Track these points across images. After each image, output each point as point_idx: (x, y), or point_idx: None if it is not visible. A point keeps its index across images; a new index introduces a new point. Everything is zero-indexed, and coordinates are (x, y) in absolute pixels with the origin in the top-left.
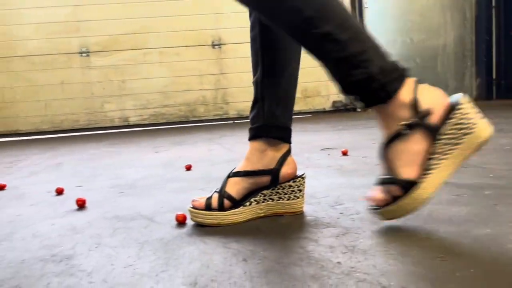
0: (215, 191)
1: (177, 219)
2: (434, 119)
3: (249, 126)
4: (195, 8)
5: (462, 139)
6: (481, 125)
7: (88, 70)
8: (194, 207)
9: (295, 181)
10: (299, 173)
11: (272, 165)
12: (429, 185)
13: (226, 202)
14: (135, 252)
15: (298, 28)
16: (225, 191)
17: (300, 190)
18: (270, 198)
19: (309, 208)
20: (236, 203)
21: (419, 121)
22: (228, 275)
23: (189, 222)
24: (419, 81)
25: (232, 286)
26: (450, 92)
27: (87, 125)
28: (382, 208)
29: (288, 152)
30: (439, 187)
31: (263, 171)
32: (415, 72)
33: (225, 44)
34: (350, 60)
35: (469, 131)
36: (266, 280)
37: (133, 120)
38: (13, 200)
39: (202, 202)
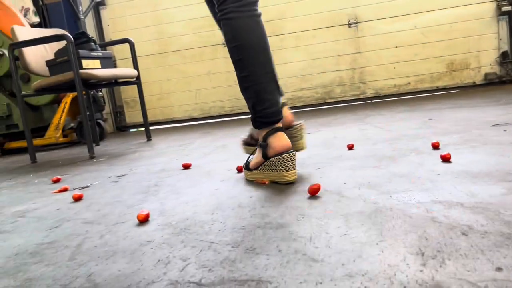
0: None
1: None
2: (269, 152)
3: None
4: None
5: (275, 172)
6: (290, 172)
7: (230, 60)
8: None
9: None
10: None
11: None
12: (250, 176)
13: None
14: (343, 223)
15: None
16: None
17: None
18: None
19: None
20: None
21: (261, 146)
22: (453, 247)
23: (382, 198)
24: (278, 129)
25: (463, 259)
26: None
27: (231, 111)
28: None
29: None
30: (252, 179)
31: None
32: None
33: (361, 22)
34: (252, 92)
35: (281, 171)
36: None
37: None
38: (204, 177)
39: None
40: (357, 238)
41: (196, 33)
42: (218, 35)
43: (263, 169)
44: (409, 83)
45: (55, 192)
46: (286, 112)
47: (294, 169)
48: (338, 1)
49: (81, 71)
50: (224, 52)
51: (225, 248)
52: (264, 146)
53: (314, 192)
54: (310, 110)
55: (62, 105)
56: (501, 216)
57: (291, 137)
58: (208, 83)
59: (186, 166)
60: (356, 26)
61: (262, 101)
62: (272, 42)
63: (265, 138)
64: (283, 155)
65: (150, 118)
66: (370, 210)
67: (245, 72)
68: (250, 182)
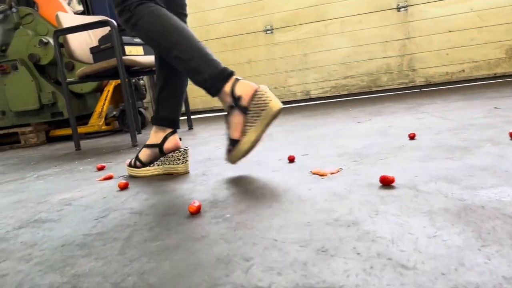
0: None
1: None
2: (243, 101)
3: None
4: None
5: (261, 113)
6: (273, 102)
7: (272, 47)
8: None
9: (175, 153)
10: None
11: (159, 141)
12: (245, 142)
13: (138, 164)
14: (427, 222)
15: (165, 53)
16: (137, 156)
17: (179, 159)
18: (164, 163)
19: None
20: (144, 164)
21: (234, 103)
22: None
23: (467, 194)
24: (237, 79)
25: None
26: None
27: None
28: (227, 157)
29: (170, 133)
30: (253, 144)
31: (155, 144)
32: None
33: (412, 5)
34: (192, 71)
35: (265, 107)
36: None
37: (314, 93)
38: (253, 167)
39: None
40: (450, 241)
41: (237, 20)
42: (259, 22)
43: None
44: (463, 70)
45: (100, 180)
46: (173, 139)
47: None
48: None
49: (124, 57)
50: (265, 39)
51: (292, 247)
52: (238, 98)
53: (387, 182)
54: (355, 99)
55: (104, 93)
56: None
57: (174, 160)
58: (249, 71)
59: None
60: (405, 10)
61: (207, 65)
62: (315, 28)
63: (233, 91)
64: (259, 93)
65: (191, 107)
66: (457, 207)
67: (176, 51)
68: (305, 173)
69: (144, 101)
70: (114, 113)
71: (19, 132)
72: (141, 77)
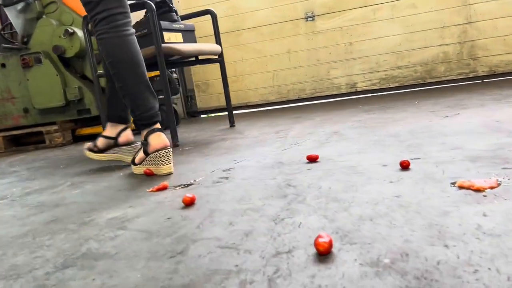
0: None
1: None
2: (149, 148)
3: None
4: None
5: (153, 165)
6: (165, 167)
7: (313, 36)
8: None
9: (160, 153)
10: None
11: (114, 135)
12: (137, 169)
13: (96, 149)
14: None
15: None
16: (95, 143)
17: (163, 160)
18: (118, 152)
19: None
20: (101, 151)
21: (142, 143)
22: None
23: None
24: (156, 129)
25: None
26: None
27: (313, 94)
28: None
29: (124, 129)
30: (138, 173)
31: (110, 137)
32: None
33: None
34: (128, 102)
35: (157, 166)
36: None
37: (361, 85)
38: (355, 175)
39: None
40: None
41: (274, 6)
42: (299, 9)
43: (145, 163)
44: None
45: (153, 191)
46: (125, 134)
47: (169, 163)
48: None
49: (163, 45)
50: (306, 27)
51: None
52: (145, 144)
53: None
54: (408, 91)
55: None
56: None
57: (159, 160)
58: (287, 63)
59: (313, 159)
60: None
61: (138, 107)
62: (362, 14)
63: (146, 137)
64: (159, 152)
65: (223, 103)
66: None
67: (121, 83)
68: (445, 186)
69: (173, 96)
70: None
71: (44, 131)
72: (173, 69)
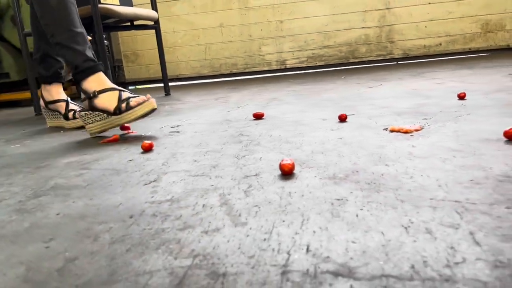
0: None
1: None
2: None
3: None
4: None
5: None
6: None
7: (246, 11)
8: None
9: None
10: None
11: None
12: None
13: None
14: None
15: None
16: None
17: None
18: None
19: None
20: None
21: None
22: None
23: None
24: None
25: None
26: None
27: (245, 69)
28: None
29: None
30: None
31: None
32: None
33: None
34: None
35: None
36: None
37: (290, 63)
38: (301, 126)
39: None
40: None
41: None
42: None
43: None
44: (440, 44)
45: (104, 142)
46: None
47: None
48: None
49: (99, 5)
50: (238, 2)
51: (498, 210)
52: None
53: None
54: (333, 70)
55: None
56: None
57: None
58: (220, 37)
59: (259, 116)
60: None
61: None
62: None
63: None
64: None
65: (153, 74)
66: None
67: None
68: (379, 131)
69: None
70: (71, 77)
71: None
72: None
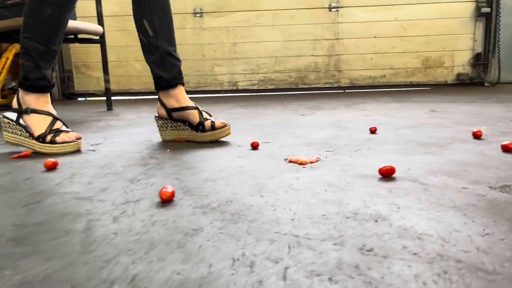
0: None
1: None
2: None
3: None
4: None
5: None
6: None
7: (200, 31)
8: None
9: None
10: None
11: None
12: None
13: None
14: (464, 217)
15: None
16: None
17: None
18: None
19: None
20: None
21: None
22: None
23: (482, 189)
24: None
25: None
26: None
27: (197, 87)
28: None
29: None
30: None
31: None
32: None
33: (343, 7)
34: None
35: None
36: None
37: (241, 84)
38: (210, 151)
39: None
40: (509, 239)
41: None
42: (188, 3)
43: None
44: (384, 76)
45: (15, 157)
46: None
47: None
48: None
49: None
50: (193, 22)
51: (325, 246)
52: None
53: (389, 174)
54: (283, 94)
55: (2, 60)
56: None
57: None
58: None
59: (179, 140)
60: (337, 10)
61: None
62: (247, 17)
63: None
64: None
65: (103, 87)
66: (483, 203)
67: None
68: (279, 161)
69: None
70: (14, 84)
71: None
72: None
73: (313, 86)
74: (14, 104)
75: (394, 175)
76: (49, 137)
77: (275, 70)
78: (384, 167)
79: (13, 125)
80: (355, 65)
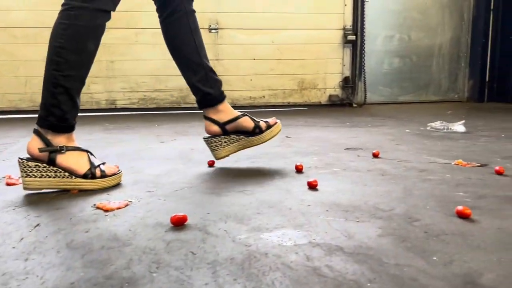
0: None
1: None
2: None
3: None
4: None
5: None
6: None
7: None
8: None
9: None
10: None
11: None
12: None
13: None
14: (210, 277)
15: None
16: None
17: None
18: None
19: (383, 224)
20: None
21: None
22: None
23: (253, 237)
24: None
25: None
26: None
27: None
28: None
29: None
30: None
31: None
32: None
33: (222, 29)
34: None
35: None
36: None
37: (120, 103)
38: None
39: None
40: None
41: (33, 10)
42: None
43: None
44: (264, 97)
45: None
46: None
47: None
48: (200, 3)
49: None
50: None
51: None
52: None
53: (179, 223)
54: (165, 114)
55: None
56: (385, 267)
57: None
58: (43, 71)
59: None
60: (216, 32)
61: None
62: (125, 35)
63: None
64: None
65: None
66: (242, 255)
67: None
68: (86, 207)
69: None
70: None
71: None
72: None
73: (195, 105)
74: (33, 149)
75: (185, 223)
76: (98, 172)
77: (155, 89)
78: (175, 217)
79: (44, 167)
80: (236, 85)
